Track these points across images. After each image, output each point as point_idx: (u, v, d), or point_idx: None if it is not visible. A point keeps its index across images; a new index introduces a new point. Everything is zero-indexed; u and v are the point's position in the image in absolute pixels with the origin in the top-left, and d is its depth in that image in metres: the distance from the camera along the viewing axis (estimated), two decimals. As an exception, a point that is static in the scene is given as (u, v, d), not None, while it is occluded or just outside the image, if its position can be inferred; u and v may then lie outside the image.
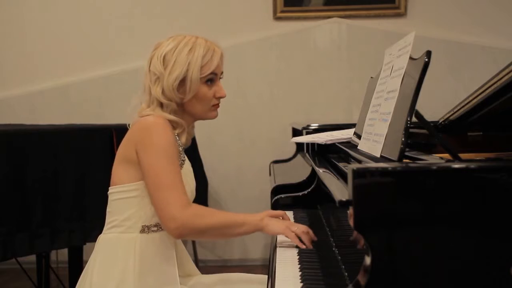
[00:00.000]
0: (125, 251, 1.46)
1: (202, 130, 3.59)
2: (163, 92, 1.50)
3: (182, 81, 1.50)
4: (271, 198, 2.03)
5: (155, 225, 1.49)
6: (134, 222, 1.48)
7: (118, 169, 1.52)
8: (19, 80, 3.80)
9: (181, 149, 1.54)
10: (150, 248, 1.48)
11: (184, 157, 1.56)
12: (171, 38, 1.55)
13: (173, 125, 1.53)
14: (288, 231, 1.46)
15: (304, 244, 1.45)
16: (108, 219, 1.53)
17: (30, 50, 3.81)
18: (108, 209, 1.54)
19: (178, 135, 1.55)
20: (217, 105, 1.58)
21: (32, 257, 2.71)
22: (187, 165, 1.58)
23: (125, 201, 1.49)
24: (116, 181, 1.51)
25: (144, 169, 1.45)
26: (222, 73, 1.58)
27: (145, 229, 1.48)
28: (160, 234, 1.49)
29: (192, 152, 3.38)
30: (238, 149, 3.74)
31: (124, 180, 1.49)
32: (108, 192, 1.53)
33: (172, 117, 1.52)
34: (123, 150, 1.52)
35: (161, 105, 1.52)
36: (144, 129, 1.48)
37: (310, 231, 1.49)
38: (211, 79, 1.54)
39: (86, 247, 2.49)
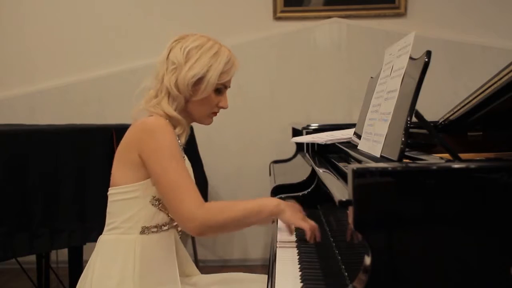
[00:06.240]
0: (125, 252, 1.46)
1: (202, 130, 3.59)
2: (176, 82, 1.50)
3: (199, 80, 1.51)
4: (271, 198, 2.03)
5: (155, 226, 1.49)
6: (134, 223, 1.48)
7: (118, 171, 1.50)
8: (19, 80, 3.81)
9: (181, 149, 1.54)
10: (150, 249, 1.48)
11: (184, 157, 1.57)
12: (196, 35, 1.56)
13: (174, 123, 1.53)
14: (303, 223, 1.46)
15: (309, 240, 1.45)
16: (108, 220, 1.52)
17: (30, 50, 3.81)
18: (108, 210, 1.53)
19: (178, 135, 1.54)
20: (215, 114, 1.60)
21: (32, 257, 2.71)
22: (187, 164, 1.59)
23: (125, 202, 1.48)
24: (116, 182, 1.50)
25: (154, 173, 1.44)
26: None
27: (144, 231, 1.48)
28: (159, 235, 1.49)
29: (192, 152, 3.39)
30: (238, 149, 3.74)
31: (125, 181, 1.48)
32: (108, 193, 1.52)
33: (175, 114, 1.52)
34: (125, 152, 1.50)
35: (168, 96, 1.52)
36: (147, 132, 1.46)
37: (317, 232, 1.49)
38: (221, 90, 1.56)
39: (86, 247, 2.49)
